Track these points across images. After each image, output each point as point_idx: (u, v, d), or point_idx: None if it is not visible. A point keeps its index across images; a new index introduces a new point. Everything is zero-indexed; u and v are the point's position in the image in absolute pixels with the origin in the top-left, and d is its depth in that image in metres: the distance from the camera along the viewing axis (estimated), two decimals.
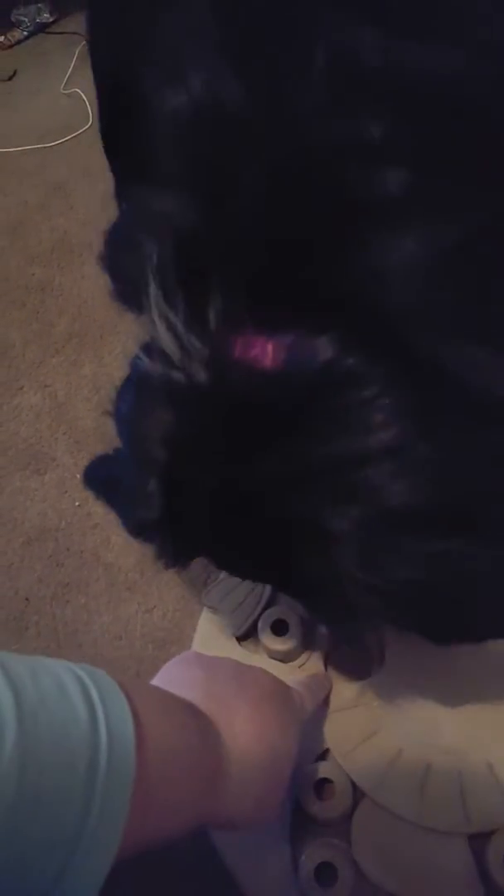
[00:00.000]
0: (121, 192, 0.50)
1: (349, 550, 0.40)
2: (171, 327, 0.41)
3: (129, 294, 0.45)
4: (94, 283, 1.17)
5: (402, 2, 0.39)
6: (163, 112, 0.41)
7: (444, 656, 0.63)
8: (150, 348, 0.44)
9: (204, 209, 0.41)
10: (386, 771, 0.60)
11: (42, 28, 1.85)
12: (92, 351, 1.07)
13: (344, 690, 0.65)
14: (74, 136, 1.45)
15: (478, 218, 0.38)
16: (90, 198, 1.31)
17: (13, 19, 1.85)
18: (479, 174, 0.39)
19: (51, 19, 1.85)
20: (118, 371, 1.04)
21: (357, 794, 0.61)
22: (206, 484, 0.44)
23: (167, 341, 0.42)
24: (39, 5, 1.85)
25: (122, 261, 0.46)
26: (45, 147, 1.44)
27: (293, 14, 0.39)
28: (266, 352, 0.41)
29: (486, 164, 0.39)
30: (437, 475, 0.38)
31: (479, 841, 0.57)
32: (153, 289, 0.41)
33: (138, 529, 0.49)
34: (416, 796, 0.59)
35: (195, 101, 0.40)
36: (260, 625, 0.69)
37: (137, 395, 0.46)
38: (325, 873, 0.57)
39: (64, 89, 1.60)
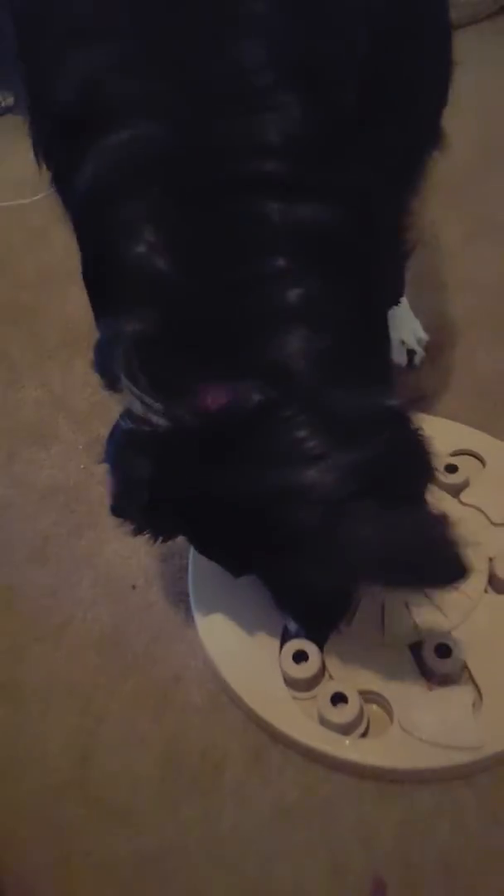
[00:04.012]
0: (98, 320, 0.71)
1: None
2: (139, 397, 0.63)
3: (111, 383, 0.66)
4: (79, 302, 1.38)
5: None
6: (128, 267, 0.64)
7: None
8: (127, 413, 0.65)
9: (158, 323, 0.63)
10: None
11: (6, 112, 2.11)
12: (83, 354, 1.27)
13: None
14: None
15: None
16: (69, 238, 1.53)
17: None
18: None
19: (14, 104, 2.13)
20: None
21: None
22: (181, 492, 0.67)
23: (137, 407, 0.64)
24: (4, 92, 2.13)
25: (105, 363, 0.66)
26: (23, 203, 1.66)
27: None
28: (213, 400, 0.61)
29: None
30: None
31: (417, 647, 0.80)
32: (123, 376, 0.63)
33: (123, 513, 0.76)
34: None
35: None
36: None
37: (119, 445, 0.69)
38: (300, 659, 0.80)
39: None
